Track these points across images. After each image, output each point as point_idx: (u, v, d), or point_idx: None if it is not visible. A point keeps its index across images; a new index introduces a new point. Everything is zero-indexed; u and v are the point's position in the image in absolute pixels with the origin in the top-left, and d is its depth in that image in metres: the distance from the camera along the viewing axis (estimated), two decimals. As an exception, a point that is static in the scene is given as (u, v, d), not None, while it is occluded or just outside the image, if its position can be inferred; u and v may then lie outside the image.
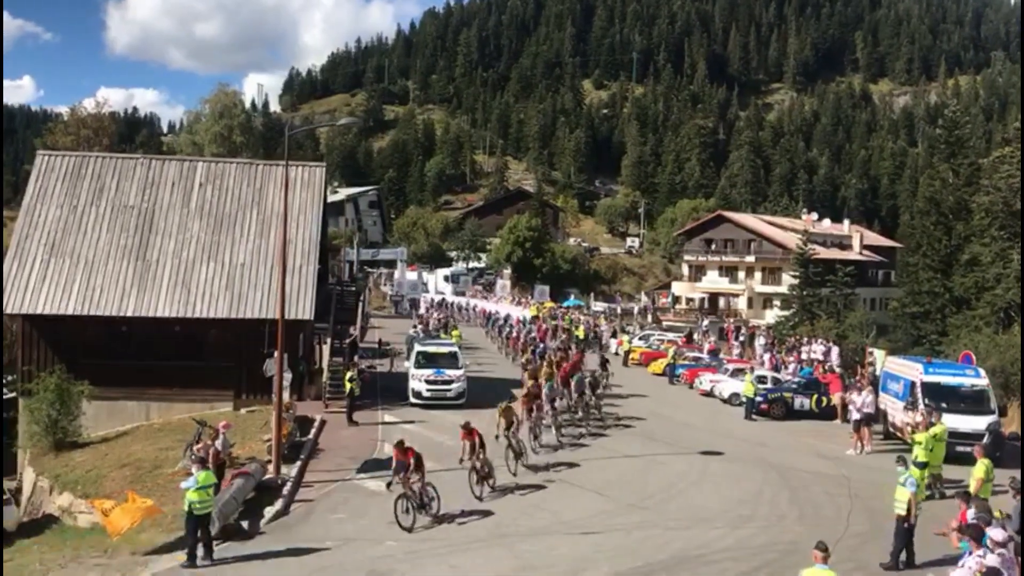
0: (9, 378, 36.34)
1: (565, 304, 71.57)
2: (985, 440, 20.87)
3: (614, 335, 50.56)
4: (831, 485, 20.60)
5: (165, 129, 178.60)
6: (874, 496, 19.08)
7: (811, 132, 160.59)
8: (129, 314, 28.78)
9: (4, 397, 36.29)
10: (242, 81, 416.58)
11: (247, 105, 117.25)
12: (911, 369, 25.51)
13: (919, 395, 23.80)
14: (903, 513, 14.75)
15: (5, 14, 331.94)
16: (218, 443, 20.15)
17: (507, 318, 52.01)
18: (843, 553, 14.73)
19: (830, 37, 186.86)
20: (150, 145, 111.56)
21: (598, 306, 77.57)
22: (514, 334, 43.69)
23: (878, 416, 25.97)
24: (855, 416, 24.86)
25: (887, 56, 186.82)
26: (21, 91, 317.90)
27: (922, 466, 18.37)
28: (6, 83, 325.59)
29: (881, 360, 31.37)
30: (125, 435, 27.91)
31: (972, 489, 16.07)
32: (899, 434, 25.03)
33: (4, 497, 23.56)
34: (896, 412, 25.43)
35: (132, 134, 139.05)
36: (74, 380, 27.12)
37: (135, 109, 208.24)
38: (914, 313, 52.08)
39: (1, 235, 40.14)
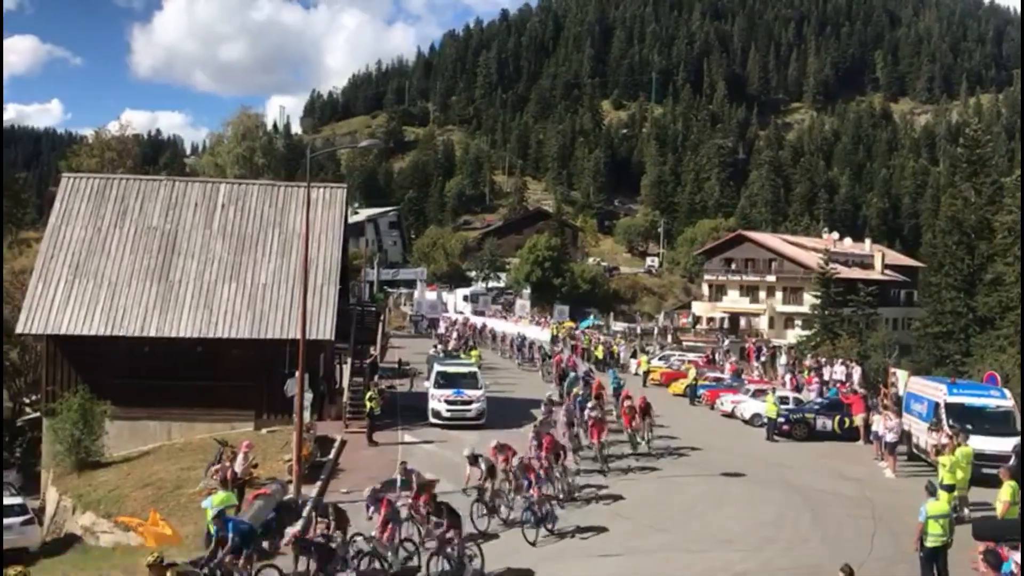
0: (33, 398, 36.75)
1: (583, 325, 71.45)
2: (1011, 462, 20.56)
3: (634, 355, 50.39)
4: (854, 507, 20.39)
5: (188, 151, 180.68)
6: (898, 518, 18.85)
7: (831, 151, 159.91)
8: (152, 334, 29.04)
9: (28, 417, 36.72)
10: (265, 103, 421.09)
11: (269, 127, 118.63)
12: (935, 390, 25.26)
13: (943, 416, 23.55)
14: (929, 545, 14.46)
15: (34, 39, 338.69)
16: (237, 464, 20.27)
17: (588, 374, 37.65)
18: (867, 576, 14.58)
19: (850, 56, 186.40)
20: (173, 167, 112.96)
21: (617, 326, 77.38)
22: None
23: (902, 438, 25.72)
24: (890, 438, 24.62)
25: (908, 75, 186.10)
26: (49, 114, 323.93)
27: (948, 489, 18.13)
28: (34, 107, 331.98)
29: (904, 381, 31.09)
30: (147, 455, 28.09)
31: (999, 512, 15.86)
32: (923, 455, 24.78)
33: (28, 516, 23.75)
34: (920, 433, 25.18)
35: (156, 156, 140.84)
36: (97, 400, 27.36)
37: (158, 131, 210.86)
38: (937, 333, 51.62)
39: (1, 256, 40.62)
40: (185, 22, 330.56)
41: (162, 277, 30.20)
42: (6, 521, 22.86)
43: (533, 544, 17.57)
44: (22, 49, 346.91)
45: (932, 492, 15.31)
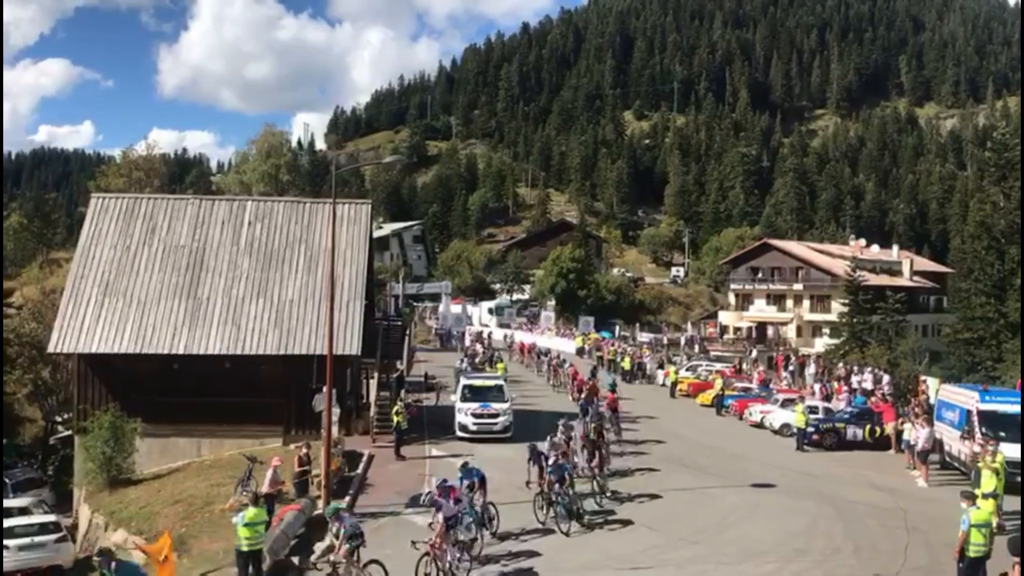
0: (65, 416, 37.19)
1: (603, 335, 71.05)
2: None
3: (661, 366, 50.17)
4: (887, 517, 20.15)
5: (214, 169, 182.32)
6: (932, 529, 18.62)
7: (857, 157, 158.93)
8: (181, 352, 29.26)
9: (60, 435, 37.18)
10: (290, 121, 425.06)
11: (293, 144, 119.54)
12: (966, 397, 24.93)
13: (975, 424, 23.23)
14: (971, 555, 14.22)
15: (66, 62, 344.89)
16: (268, 475, 20.47)
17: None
18: (901, 588, 14.39)
19: (873, 62, 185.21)
20: (199, 185, 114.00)
21: (643, 336, 77.10)
22: None
23: (934, 447, 25.39)
24: (921, 447, 24.31)
25: (933, 79, 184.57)
26: (80, 136, 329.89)
27: (991, 496, 17.77)
28: (66, 129, 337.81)
29: (934, 388, 30.71)
30: (177, 471, 28.28)
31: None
32: (956, 464, 24.47)
33: (61, 533, 24.01)
34: (952, 442, 24.85)
35: (182, 175, 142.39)
36: (128, 418, 27.60)
37: (184, 150, 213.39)
38: (968, 339, 50.96)
39: (2, 271, 41.25)
40: (211, 42, 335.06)
41: (190, 295, 30.46)
42: (41, 539, 23.18)
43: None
44: (54, 72, 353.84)
45: (972, 500, 15.05)
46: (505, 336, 66.66)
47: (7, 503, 27.07)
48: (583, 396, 32.17)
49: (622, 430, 29.06)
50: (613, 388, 33.63)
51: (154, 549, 16.23)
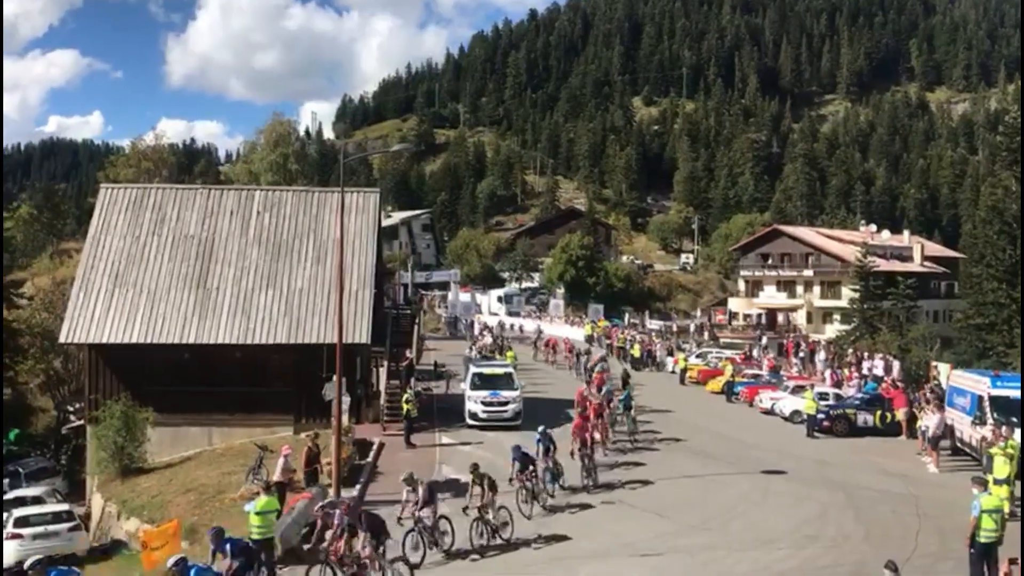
0: (77, 406, 37.42)
1: (614, 323, 70.90)
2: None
3: (670, 353, 50.10)
4: (898, 503, 20.10)
5: (223, 159, 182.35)
6: (943, 515, 18.56)
7: (867, 143, 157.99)
8: (191, 342, 29.39)
9: (72, 424, 37.39)
10: (298, 110, 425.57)
11: (301, 133, 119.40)
12: (978, 383, 24.80)
13: (987, 409, 23.13)
14: (982, 541, 14.19)
15: (75, 52, 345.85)
16: (279, 463, 20.53)
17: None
18: (913, 574, 14.36)
19: (884, 46, 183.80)
20: (208, 175, 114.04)
21: (653, 324, 76.97)
22: None
23: (945, 433, 25.30)
24: (932, 433, 24.25)
25: (944, 63, 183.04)
26: (89, 127, 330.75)
27: (1004, 482, 17.67)
28: (75, 120, 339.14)
29: (946, 374, 30.57)
30: (188, 460, 28.45)
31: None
32: (967, 450, 24.39)
33: (74, 522, 24.18)
34: (963, 427, 24.76)
35: (191, 164, 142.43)
36: (139, 407, 27.75)
37: (193, 140, 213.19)
38: (979, 325, 50.68)
39: (1, 266, 41.49)
40: (219, 31, 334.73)
41: (200, 285, 30.56)
42: (54, 527, 23.36)
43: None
44: (63, 63, 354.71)
45: (984, 486, 14.98)
46: (536, 328, 64.52)
47: (20, 492, 27.31)
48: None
49: (596, 469, 22.29)
50: (628, 406, 28.06)
51: (154, 535, 16.38)
